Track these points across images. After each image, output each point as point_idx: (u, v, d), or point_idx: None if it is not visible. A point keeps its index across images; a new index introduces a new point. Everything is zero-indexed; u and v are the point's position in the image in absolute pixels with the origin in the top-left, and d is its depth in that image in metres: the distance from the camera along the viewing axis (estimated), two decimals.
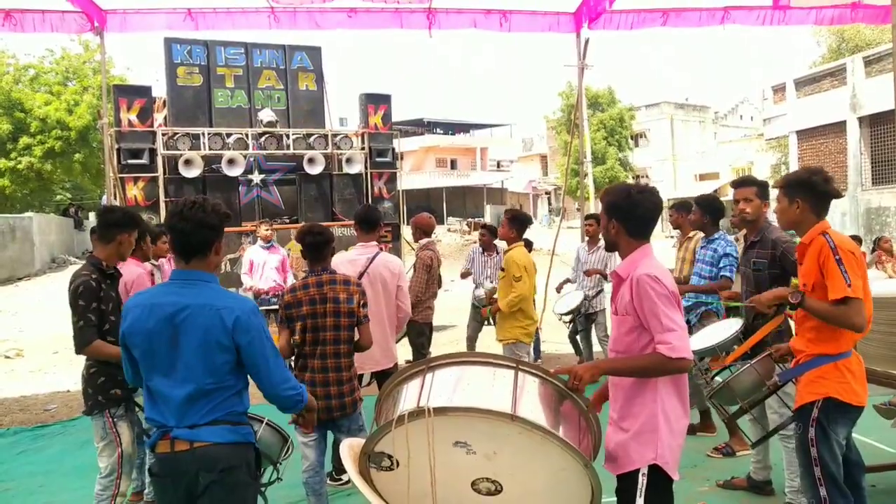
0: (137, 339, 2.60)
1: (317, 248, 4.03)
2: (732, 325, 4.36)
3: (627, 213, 2.83)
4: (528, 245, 6.78)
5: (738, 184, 4.43)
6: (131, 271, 4.38)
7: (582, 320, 7.73)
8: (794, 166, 21.42)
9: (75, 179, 31.56)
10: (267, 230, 8.15)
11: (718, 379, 3.94)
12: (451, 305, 10.68)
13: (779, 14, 9.30)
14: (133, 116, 9.58)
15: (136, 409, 3.89)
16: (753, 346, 3.86)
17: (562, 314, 7.78)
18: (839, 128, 20.00)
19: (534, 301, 6.18)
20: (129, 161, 9.48)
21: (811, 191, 3.25)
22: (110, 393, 3.76)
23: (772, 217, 4.32)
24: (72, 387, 8.37)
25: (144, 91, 10.00)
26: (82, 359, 3.87)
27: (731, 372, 3.68)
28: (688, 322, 5.58)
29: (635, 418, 2.73)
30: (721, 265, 5.50)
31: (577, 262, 8.01)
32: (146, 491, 4.61)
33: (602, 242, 7.53)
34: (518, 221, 5.99)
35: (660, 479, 2.70)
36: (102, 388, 3.76)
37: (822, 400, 3.14)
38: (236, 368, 2.62)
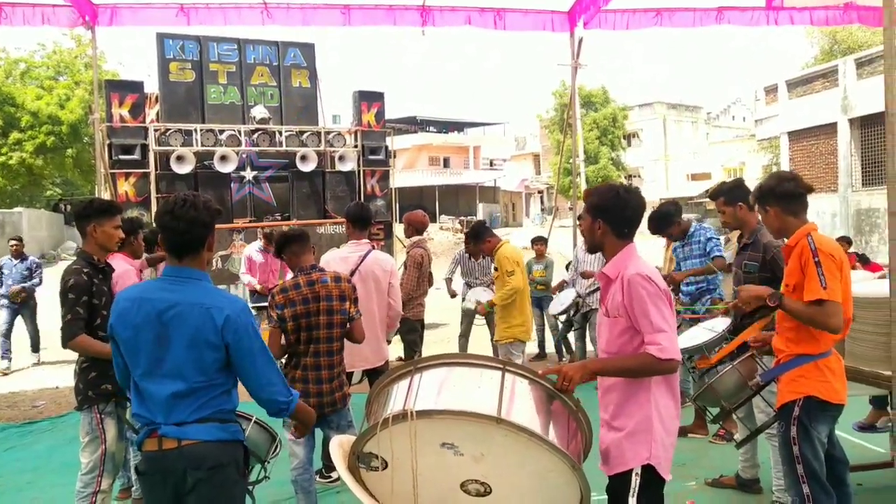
0: (124, 332, 2.58)
1: (295, 252, 4.05)
2: (720, 325, 4.41)
3: (615, 214, 2.81)
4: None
5: (709, 197, 4.60)
6: (117, 266, 4.35)
7: (579, 318, 7.72)
8: (785, 167, 21.50)
9: (66, 175, 31.40)
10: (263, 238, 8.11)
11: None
12: (443, 304, 10.67)
13: (772, 14, 9.33)
14: (125, 112, 9.54)
15: (128, 404, 3.86)
16: (740, 346, 3.89)
17: (557, 315, 7.80)
18: (830, 129, 20.08)
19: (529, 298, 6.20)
20: (121, 157, 9.46)
21: (775, 195, 3.31)
22: (101, 388, 3.73)
23: None
24: (60, 383, 8.34)
25: (136, 86, 9.94)
26: (71, 355, 3.84)
27: (717, 372, 3.70)
28: (695, 312, 5.70)
29: (629, 418, 2.72)
30: (709, 249, 5.65)
31: (576, 261, 8.02)
32: (134, 488, 4.60)
33: None
34: (480, 232, 6.04)
35: (652, 479, 2.71)
36: (93, 383, 3.74)
37: (804, 399, 3.18)
38: (226, 367, 2.60)
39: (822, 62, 25.60)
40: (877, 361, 3.73)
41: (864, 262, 8.58)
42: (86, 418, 3.78)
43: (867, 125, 18.94)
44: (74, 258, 3.90)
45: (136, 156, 9.51)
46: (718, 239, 5.82)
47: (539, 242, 9.12)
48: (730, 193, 4.38)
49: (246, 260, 8.20)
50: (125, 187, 9.44)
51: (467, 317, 8.04)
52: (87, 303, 3.66)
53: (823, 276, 3.04)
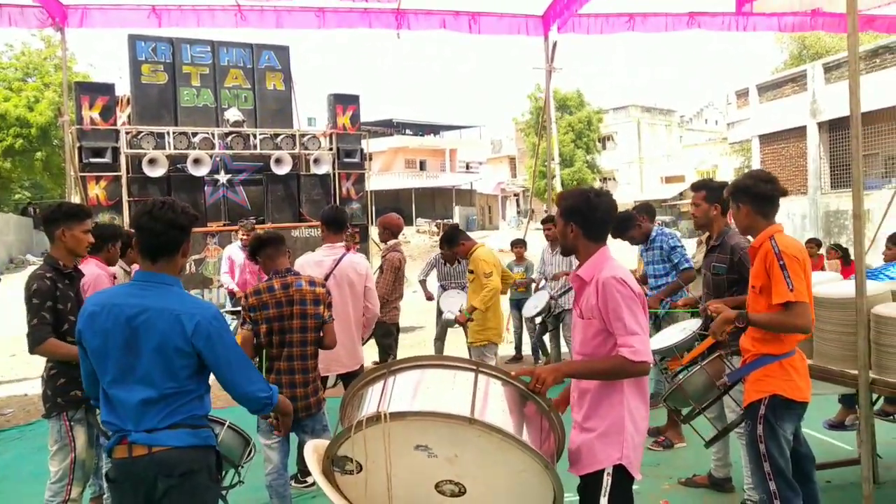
0: (93, 339, 2.54)
1: (270, 255, 4.03)
2: (691, 326, 4.46)
3: (587, 217, 2.84)
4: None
5: (692, 188, 4.63)
6: (90, 272, 4.27)
7: (552, 320, 7.75)
8: None
9: (35, 178, 30.85)
10: (244, 236, 8.04)
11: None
12: (418, 307, 10.67)
13: (742, 20, 9.49)
14: (95, 114, 9.42)
15: (97, 411, 3.79)
16: (711, 346, 3.93)
17: (531, 318, 7.82)
18: (800, 132, 20.43)
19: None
20: (91, 160, 9.34)
21: (750, 194, 3.36)
22: (70, 395, 3.67)
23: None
24: (29, 390, 8.18)
25: (107, 88, 9.83)
26: (40, 362, 3.78)
27: (687, 372, 3.75)
28: (657, 316, 5.76)
29: (603, 419, 2.75)
30: (675, 260, 5.69)
31: (542, 263, 8.07)
32: (105, 496, 4.52)
33: None
34: (454, 236, 6.04)
35: (622, 478, 2.75)
36: (62, 389, 3.67)
37: (769, 397, 3.25)
38: (197, 373, 2.57)
39: (792, 67, 26.04)
40: (844, 361, 3.80)
41: (846, 261, 8.34)
42: (55, 426, 3.71)
43: (835, 129, 19.30)
44: (41, 263, 3.83)
45: (107, 159, 9.39)
46: (683, 246, 5.85)
47: (518, 245, 9.19)
48: (713, 191, 4.41)
49: (227, 260, 8.12)
50: (96, 191, 9.31)
51: (443, 320, 8.04)
52: (52, 308, 3.59)
53: (790, 278, 3.11)
